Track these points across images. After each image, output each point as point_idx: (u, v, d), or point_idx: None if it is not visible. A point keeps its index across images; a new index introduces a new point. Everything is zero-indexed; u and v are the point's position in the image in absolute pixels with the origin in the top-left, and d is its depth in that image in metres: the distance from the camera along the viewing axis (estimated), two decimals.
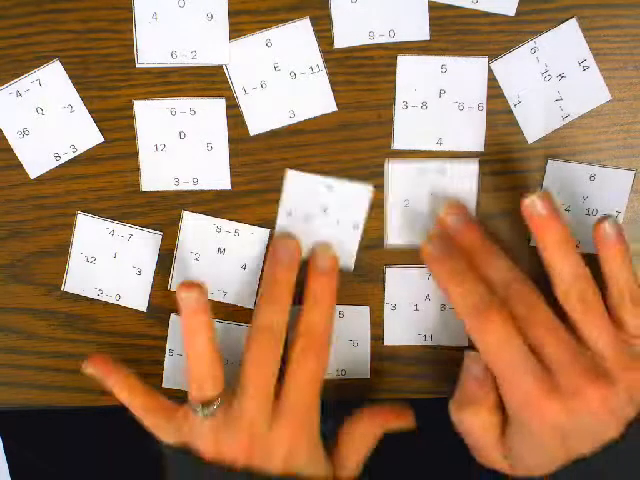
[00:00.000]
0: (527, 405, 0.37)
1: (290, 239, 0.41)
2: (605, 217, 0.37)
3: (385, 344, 0.43)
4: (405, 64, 0.41)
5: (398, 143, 0.41)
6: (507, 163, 0.41)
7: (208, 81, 0.41)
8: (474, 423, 0.39)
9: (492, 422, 0.39)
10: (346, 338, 0.43)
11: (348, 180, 0.42)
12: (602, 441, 0.36)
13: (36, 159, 0.42)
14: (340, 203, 0.42)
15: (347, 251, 0.42)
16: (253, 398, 0.38)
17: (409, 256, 0.42)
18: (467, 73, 0.40)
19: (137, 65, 0.41)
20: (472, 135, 0.41)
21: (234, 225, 0.42)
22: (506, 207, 0.42)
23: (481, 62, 0.40)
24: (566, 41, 0.40)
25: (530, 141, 0.41)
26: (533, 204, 0.37)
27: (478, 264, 0.38)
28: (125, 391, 0.40)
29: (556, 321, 0.37)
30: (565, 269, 0.37)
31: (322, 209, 0.42)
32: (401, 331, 0.43)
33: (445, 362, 0.43)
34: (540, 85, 0.40)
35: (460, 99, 0.41)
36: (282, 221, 0.42)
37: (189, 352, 0.39)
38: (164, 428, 0.40)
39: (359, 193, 0.42)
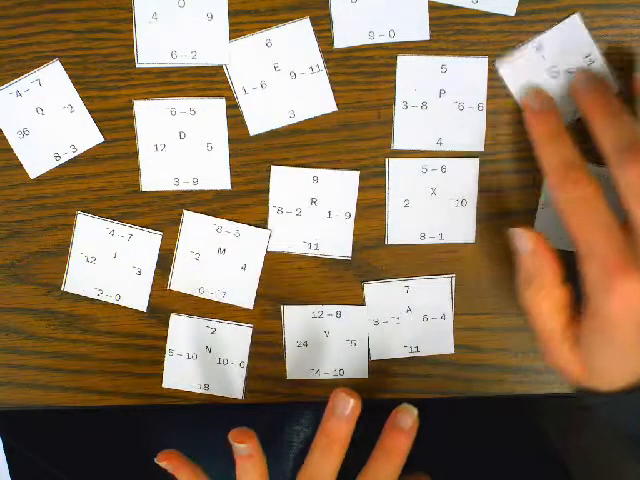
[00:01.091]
0: (604, 279, 0.33)
1: (351, 396, 0.40)
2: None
3: (372, 359, 0.43)
4: (405, 64, 0.41)
5: (398, 143, 0.41)
6: (507, 163, 0.41)
7: (208, 81, 0.41)
8: (542, 302, 0.36)
9: (563, 299, 0.36)
10: (344, 338, 0.43)
11: (333, 169, 0.42)
12: None
13: (36, 159, 0.42)
14: (328, 193, 0.42)
15: (343, 241, 0.42)
16: None
17: (409, 256, 0.42)
18: (467, 73, 0.40)
19: (137, 65, 0.41)
20: (472, 135, 0.41)
21: (234, 225, 0.42)
22: (506, 207, 0.42)
23: (481, 62, 0.40)
24: (570, 37, 0.40)
25: None
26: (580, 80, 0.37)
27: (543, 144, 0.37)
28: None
29: None
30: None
31: (311, 201, 0.42)
32: (386, 346, 0.43)
33: (445, 362, 0.43)
34: (548, 82, 0.40)
35: (460, 99, 0.41)
36: (273, 219, 0.42)
37: None
38: None
39: (346, 180, 0.42)
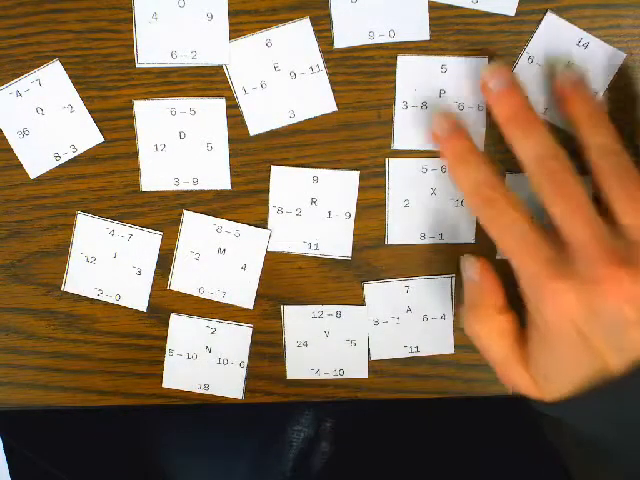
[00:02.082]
0: (535, 288, 0.33)
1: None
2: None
3: (372, 359, 0.43)
4: (405, 64, 0.41)
5: (398, 143, 0.41)
6: (507, 163, 0.41)
7: (208, 81, 0.41)
8: (484, 328, 0.36)
9: (504, 324, 0.36)
10: (344, 338, 0.43)
11: (332, 169, 0.42)
12: (633, 350, 0.32)
13: (36, 159, 0.42)
14: (328, 193, 0.42)
15: (343, 241, 0.42)
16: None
17: (409, 256, 0.42)
18: (467, 73, 0.40)
19: (137, 65, 0.41)
20: (472, 135, 0.41)
21: (234, 225, 0.42)
22: None
23: (481, 62, 0.40)
24: (555, 38, 0.40)
25: None
26: (564, 78, 0.36)
27: (514, 135, 0.36)
28: None
29: (586, 200, 0.33)
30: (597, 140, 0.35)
31: (311, 201, 0.42)
32: (386, 346, 0.43)
33: (445, 362, 0.43)
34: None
35: (460, 99, 0.41)
36: (273, 219, 0.42)
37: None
38: None
39: (346, 180, 0.42)
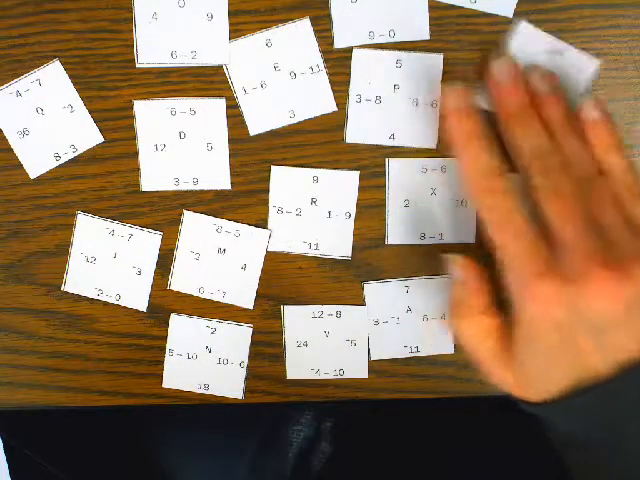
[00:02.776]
0: (521, 285, 0.33)
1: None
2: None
3: (372, 359, 0.43)
4: (360, 57, 0.40)
5: (350, 137, 0.41)
6: (506, 163, 0.41)
7: (208, 81, 0.41)
8: (469, 329, 0.36)
9: (488, 325, 0.36)
10: (344, 338, 0.43)
11: (333, 169, 0.42)
12: (618, 352, 0.32)
13: (36, 159, 0.42)
14: (328, 193, 0.42)
15: (343, 241, 0.42)
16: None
17: (409, 256, 0.42)
18: (422, 69, 0.40)
19: (137, 65, 0.41)
20: (425, 132, 0.41)
21: (234, 225, 0.42)
22: None
23: (436, 58, 0.40)
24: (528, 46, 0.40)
25: None
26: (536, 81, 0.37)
27: (514, 130, 0.36)
28: None
29: (576, 199, 0.33)
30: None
31: (311, 201, 0.42)
32: (386, 346, 0.43)
33: (445, 362, 0.43)
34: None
35: (414, 95, 0.40)
36: (273, 219, 0.42)
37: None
38: None
39: (346, 180, 0.42)
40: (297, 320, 0.43)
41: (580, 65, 0.40)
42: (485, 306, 0.36)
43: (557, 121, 0.36)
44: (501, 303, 0.37)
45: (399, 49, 0.40)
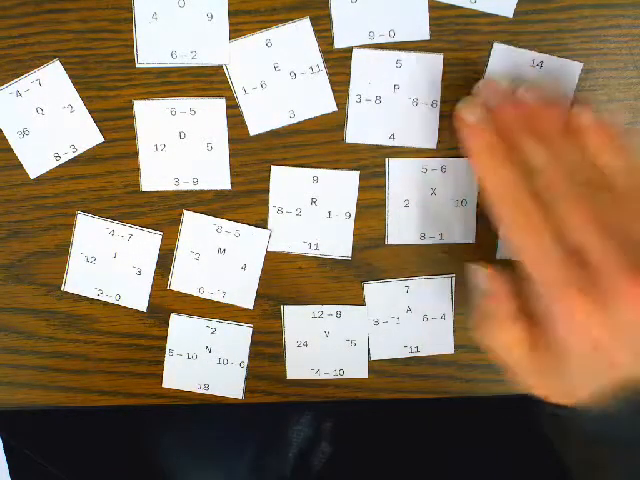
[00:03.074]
0: (554, 305, 0.33)
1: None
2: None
3: (372, 359, 0.43)
4: (360, 57, 0.40)
5: (350, 138, 0.41)
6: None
7: (208, 81, 0.41)
8: (498, 339, 0.36)
9: (518, 335, 0.35)
10: (344, 338, 0.43)
11: (333, 169, 0.42)
12: None
13: (36, 159, 0.42)
14: (328, 193, 0.42)
15: (343, 241, 0.42)
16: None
17: (409, 256, 0.42)
18: (422, 69, 0.40)
19: (137, 65, 0.41)
20: (425, 132, 0.41)
21: (234, 225, 0.42)
22: None
23: (436, 59, 0.40)
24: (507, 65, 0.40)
25: None
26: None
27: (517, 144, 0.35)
28: None
29: (600, 218, 0.33)
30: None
31: (311, 201, 0.42)
32: (386, 346, 0.43)
33: (445, 362, 0.43)
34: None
35: (414, 95, 0.40)
36: (273, 219, 0.42)
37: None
38: None
39: (346, 180, 0.42)
40: (297, 320, 0.43)
41: (564, 70, 0.40)
42: (514, 316, 0.36)
43: (554, 131, 0.36)
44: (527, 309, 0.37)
45: (399, 49, 0.40)
